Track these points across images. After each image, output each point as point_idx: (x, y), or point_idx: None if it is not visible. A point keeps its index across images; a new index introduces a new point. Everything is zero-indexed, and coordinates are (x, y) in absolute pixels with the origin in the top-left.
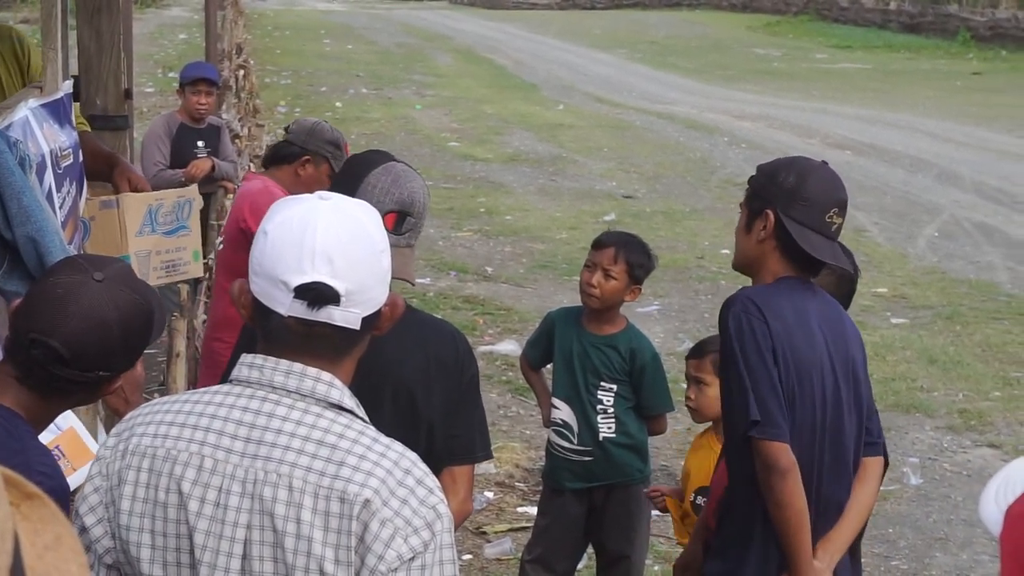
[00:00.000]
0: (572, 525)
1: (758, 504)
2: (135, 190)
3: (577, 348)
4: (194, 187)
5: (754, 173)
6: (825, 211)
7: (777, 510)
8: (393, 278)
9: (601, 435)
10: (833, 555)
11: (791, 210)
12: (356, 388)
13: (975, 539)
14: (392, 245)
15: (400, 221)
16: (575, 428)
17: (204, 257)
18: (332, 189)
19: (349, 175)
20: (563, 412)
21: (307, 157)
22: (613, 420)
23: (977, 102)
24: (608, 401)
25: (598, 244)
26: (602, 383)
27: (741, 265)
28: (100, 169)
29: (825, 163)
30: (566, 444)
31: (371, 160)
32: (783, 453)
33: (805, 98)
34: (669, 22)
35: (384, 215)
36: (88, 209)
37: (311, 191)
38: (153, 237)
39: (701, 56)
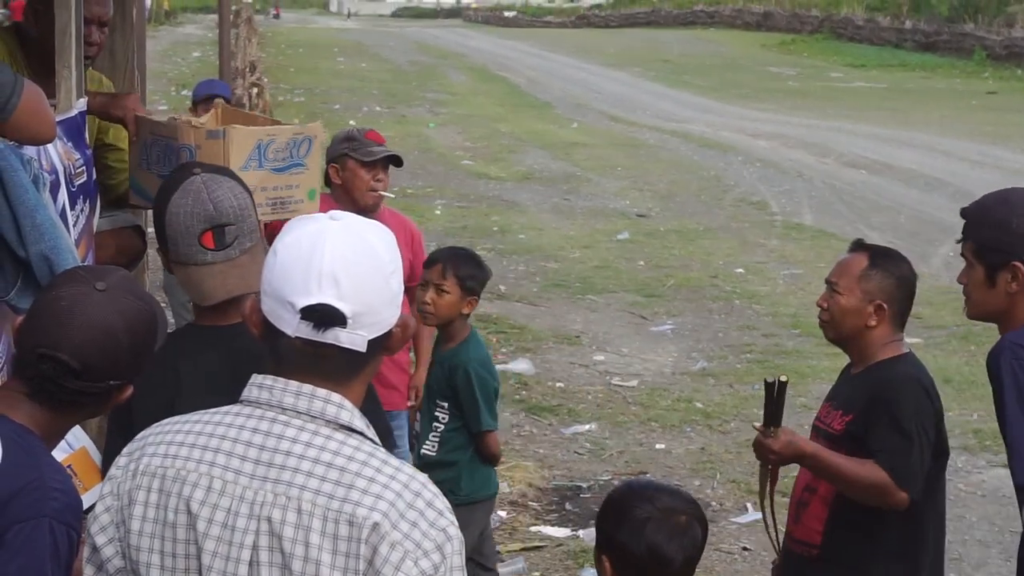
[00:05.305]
0: None
1: None
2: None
3: (433, 366)
4: (317, 124)
5: (964, 221)
6: None
7: None
8: (236, 295)
9: (422, 451)
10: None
11: None
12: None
13: (989, 560)
14: (223, 262)
15: (219, 236)
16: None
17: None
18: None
19: (156, 205)
20: (417, 425)
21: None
22: (438, 438)
23: (992, 121)
24: (443, 418)
25: (427, 262)
26: (437, 400)
27: (982, 316)
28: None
29: None
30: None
31: (170, 185)
32: None
33: (820, 117)
34: (683, 40)
35: (200, 237)
36: (195, 136)
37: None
38: (260, 172)
39: (715, 74)
